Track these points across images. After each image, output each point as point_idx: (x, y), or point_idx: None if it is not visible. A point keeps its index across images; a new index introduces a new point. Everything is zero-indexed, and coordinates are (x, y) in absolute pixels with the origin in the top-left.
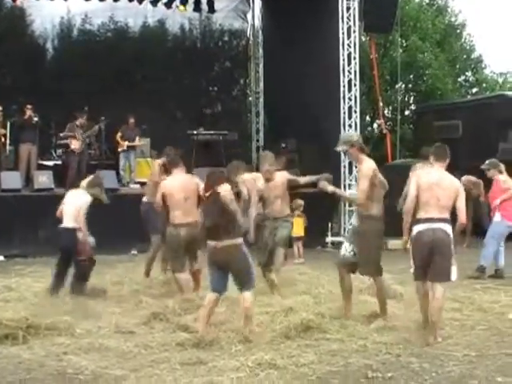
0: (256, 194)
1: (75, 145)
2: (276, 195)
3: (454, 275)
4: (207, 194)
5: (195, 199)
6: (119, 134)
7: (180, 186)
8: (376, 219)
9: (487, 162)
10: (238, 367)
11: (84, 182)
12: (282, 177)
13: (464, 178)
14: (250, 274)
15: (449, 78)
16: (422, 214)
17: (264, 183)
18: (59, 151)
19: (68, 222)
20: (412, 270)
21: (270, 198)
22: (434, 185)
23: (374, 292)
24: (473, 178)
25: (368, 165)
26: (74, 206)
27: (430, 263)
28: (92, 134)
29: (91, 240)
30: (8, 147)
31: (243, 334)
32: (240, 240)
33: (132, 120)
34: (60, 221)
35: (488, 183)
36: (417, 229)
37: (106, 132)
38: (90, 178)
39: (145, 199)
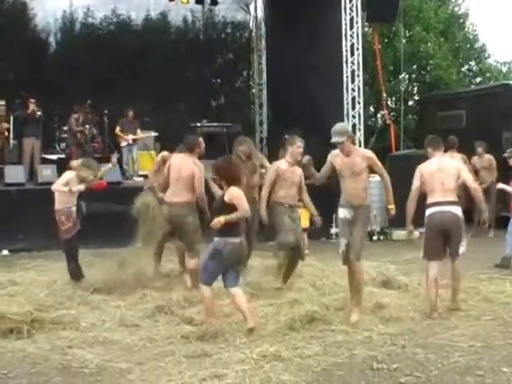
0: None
1: (78, 138)
2: (294, 182)
3: (461, 250)
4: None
5: (188, 183)
6: (118, 128)
7: (177, 166)
8: (369, 208)
9: (509, 150)
10: (242, 359)
11: (74, 162)
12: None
13: None
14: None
15: (452, 68)
16: (430, 200)
17: (287, 167)
18: (62, 145)
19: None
20: (422, 254)
21: (287, 183)
22: (435, 172)
23: (380, 282)
24: None
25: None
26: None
27: (441, 243)
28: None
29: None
30: (12, 141)
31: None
32: None
33: (131, 113)
34: None
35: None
36: (427, 213)
37: (109, 125)
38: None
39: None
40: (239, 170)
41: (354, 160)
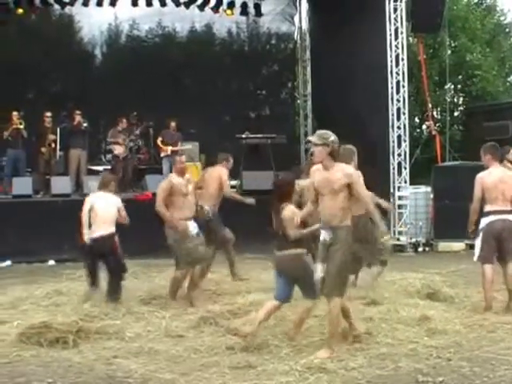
0: None
1: (118, 150)
2: None
3: None
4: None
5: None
6: (159, 139)
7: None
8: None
9: None
10: (287, 371)
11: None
12: None
13: None
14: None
15: (498, 79)
16: (490, 208)
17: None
18: (108, 156)
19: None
20: (476, 258)
21: None
22: (498, 183)
23: (426, 294)
24: None
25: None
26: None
27: (499, 248)
28: (134, 138)
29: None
30: (58, 153)
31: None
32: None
33: (173, 124)
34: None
35: None
36: (487, 220)
37: (155, 137)
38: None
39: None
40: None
41: (333, 175)
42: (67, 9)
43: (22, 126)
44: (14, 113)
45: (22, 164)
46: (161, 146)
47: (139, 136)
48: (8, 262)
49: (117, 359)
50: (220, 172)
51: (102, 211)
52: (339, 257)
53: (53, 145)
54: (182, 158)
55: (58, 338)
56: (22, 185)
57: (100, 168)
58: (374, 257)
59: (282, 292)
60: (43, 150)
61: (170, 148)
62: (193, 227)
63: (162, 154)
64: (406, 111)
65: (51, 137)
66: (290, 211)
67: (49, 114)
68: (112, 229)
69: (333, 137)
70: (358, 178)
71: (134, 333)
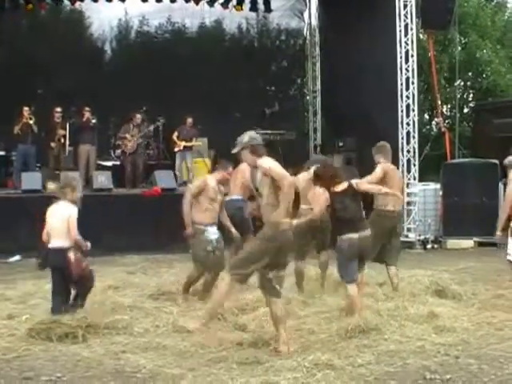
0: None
1: (127, 145)
2: None
3: None
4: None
5: None
6: (175, 134)
7: None
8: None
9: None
10: (294, 367)
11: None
12: None
13: None
14: None
15: (509, 75)
16: None
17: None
18: (117, 152)
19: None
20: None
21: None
22: None
23: (434, 291)
24: None
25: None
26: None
27: None
28: (147, 135)
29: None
30: (67, 148)
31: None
32: None
33: (190, 120)
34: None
35: None
36: None
37: (164, 132)
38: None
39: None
40: None
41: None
42: (77, 4)
43: (31, 122)
44: (25, 108)
45: (32, 159)
46: (175, 140)
47: (151, 132)
48: (17, 257)
49: (125, 354)
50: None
51: (53, 221)
52: (250, 244)
53: (62, 140)
54: (230, 169)
55: (67, 332)
56: (32, 180)
57: (109, 163)
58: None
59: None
60: (52, 145)
61: (183, 143)
62: (212, 233)
63: (176, 149)
64: (416, 108)
65: (61, 132)
66: None
67: (59, 109)
68: (61, 242)
69: (246, 137)
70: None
71: (143, 328)
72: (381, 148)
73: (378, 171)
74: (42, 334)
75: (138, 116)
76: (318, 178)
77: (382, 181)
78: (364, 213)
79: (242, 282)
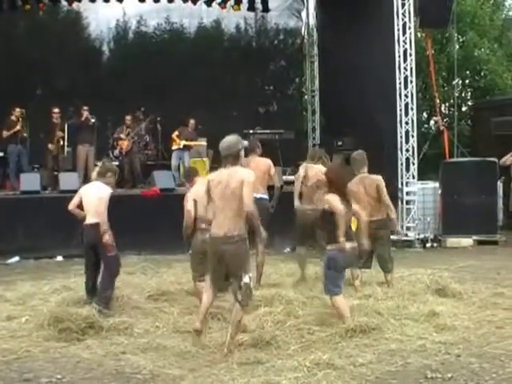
0: None
1: (121, 145)
2: None
3: None
4: None
5: None
6: (176, 133)
7: None
8: None
9: None
10: (295, 367)
11: (94, 174)
12: None
13: None
14: None
15: (507, 74)
16: None
17: None
18: (116, 152)
19: (91, 217)
20: None
21: None
22: None
23: (434, 290)
24: None
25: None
26: (96, 198)
27: None
28: (139, 133)
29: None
30: (66, 148)
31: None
32: None
33: (192, 121)
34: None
35: None
36: None
37: (162, 132)
38: (99, 169)
39: None
40: None
41: None
42: (74, 5)
43: (19, 127)
44: (16, 113)
45: (25, 159)
46: (175, 138)
47: (144, 130)
48: (16, 258)
49: (125, 355)
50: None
51: (89, 200)
52: None
53: (61, 142)
54: None
55: (67, 333)
56: (31, 181)
57: None
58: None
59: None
60: (50, 146)
61: (183, 142)
62: None
63: (174, 147)
64: (414, 106)
65: (59, 133)
66: None
67: (56, 110)
68: (97, 219)
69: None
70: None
71: (143, 329)
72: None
73: None
74: (44, 332)
75: (128, 117)
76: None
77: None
78: None
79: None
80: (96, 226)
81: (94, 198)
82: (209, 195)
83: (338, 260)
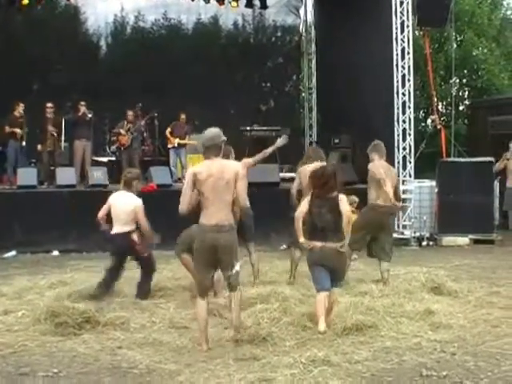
0: None
1: (121, 141)
2: None
3: None
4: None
5: None
6: (168, 130)
7: None
8: None
9: None
10: (291, 364)
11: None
12: None
13: None
14: None
15: (504, 73)
16: None
17: None
18: (113, 147)
19: (123, 226)
20: None
21: None
22: None
23: (430, 288)
24: None
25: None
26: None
27: None
28: (139, 129)
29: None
30: (63, 144)
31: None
32: None
33: (183, 116)
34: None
35: None
36: None
37: (160, 128)
38: (124, 178)
39: None
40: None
41: None
42: (73, 0)
43: (20, 131)
44: (19, 108)
45: (22, 155)
46: (169, 137)
47: (143, 126)
48: (13, 253)
49: (121, 350)
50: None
51: (118, 209)
52: None
53: (55, 134)
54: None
55: (63, 328)
56: (27, 176)
57: (105, 159)
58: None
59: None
60: (39, 148)
61: (177, 140)
62: None
63: (169, 146)
64: (412, 105)
65: (52, 128)
66: None
67: (49, 104)
68: (128, 227)
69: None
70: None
71: (139, 324)
72: (377, 146)
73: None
74: (40, 326)
75: (130, 112)
76: (311, 180)
77: (375, 180)
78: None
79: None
80: (127, 234)
81: (123, 208)
82: (193, 188)
83: (308, 259)
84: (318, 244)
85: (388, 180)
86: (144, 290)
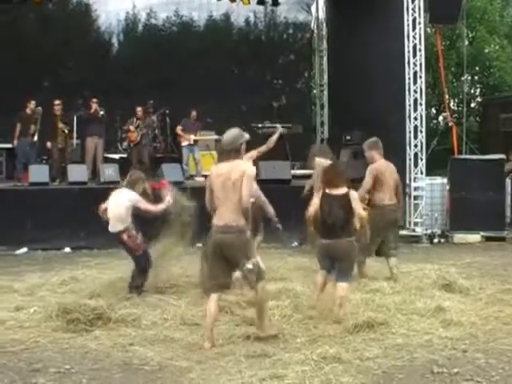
0: None
1: (131, 137)
2: None
3: None
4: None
5: None
6: (179, 127)
7: None
8: None
9: None
10: (302, 360)
11: (124, 182)
12: None
13: None
14: None
15: None
16: None
17: None
18: (124, 144)
19: (114, 226)
20: None
21: None
22: None
23: (441, 286)
24: None
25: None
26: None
27: None
28: (150, 125)
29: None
30: (75, 141)
31: (334, 318)
32: None
33: (194, 113)
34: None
35: None
36: None
37: (171, 125)
38: (128, 177)
39: None
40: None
41: None
42: None
43: (34, 128)
44: (31, 105)
45: (32, 152)
46: (181, 134)
47: (154, 122)
48: (24, 249)
49: (133, 346)
50: None
51: (111, 208)
52: None
53: (66, 131)
54: None
55: (75, 324)
56: (39, 172)
57: (116, 156)
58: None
59: None
60: (48, 145)
61: (192, 137)
62: None
63: (183, 144)
64: (423, 102)
65: (61, 125)
66: None
67: (57, 101)
68: (119, 227)
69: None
70: None
71: (151, 321)
72: (377, 143)
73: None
74: (52, 323)
75: (139, 109)
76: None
77: (377, 179)
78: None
79: None
80: (117, 235)
81: (113, 208)
82: (210, 188)
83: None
84: (327, 241)
85: (390, 179)
86: (134, 285)
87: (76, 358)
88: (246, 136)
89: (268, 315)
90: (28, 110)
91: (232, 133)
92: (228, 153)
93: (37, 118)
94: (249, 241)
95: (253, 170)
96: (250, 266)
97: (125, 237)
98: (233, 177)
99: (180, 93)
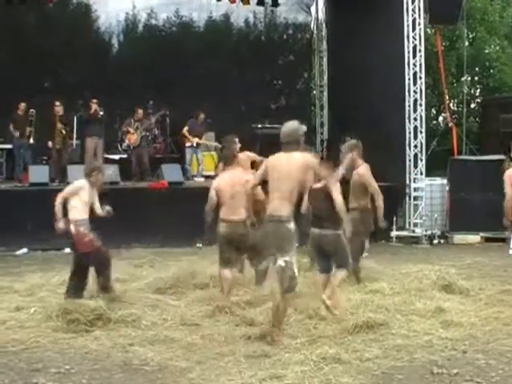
0: None
1: (130, 139)
2: None
3: None
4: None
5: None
6: (186, 128)
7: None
8: None
9: None
10: (302, 361)
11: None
12: None
13: None
14: None
15: None
16: None
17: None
18: (124, 145)
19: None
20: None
21: None
22: None
23: (441, 286)
24: None
25: None
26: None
27: None
28: (148, 127)
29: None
30: (75, 141)
31: (324, 304)
32: None
33: (202, 116)
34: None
35: None
36: None
37: (171, 126)
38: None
39: None
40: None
41: None
42: None
43: (30, 129)
44: (21, 107)
45: (28, 153)
46: (187, 135)
47: (154, 124)
48: (24, 250)
49: (133, 347)
50: None
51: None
52: None
53: (64, 132)
54: None
55: (75, 324)
56: (39, 173)
57: (116, 157)
58: None
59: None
60: (50, 144)
61: (196, 140)
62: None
63: (187, 145)
64: (423, 103)
65: (59, 126)
66: None
67: (57, 102)
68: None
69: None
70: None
71: (150, 321)
72: (358, 144)
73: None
74: (52, 323)
75: (140, 111)
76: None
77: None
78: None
79: None
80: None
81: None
82: (262, 177)
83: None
84: (316, 230)
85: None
86: (102, 286)
87: (76, 359)
88: (304, 128)
89: (283, 323)
90: (20, 112)
91: (291, 125)
92: (286, 144)
93: (31, 120)
94: (291, 235)
95: (313, 159)
96: (281, 262)
97: (72, 227)
98: (287, 167)
99: (180, 93)
